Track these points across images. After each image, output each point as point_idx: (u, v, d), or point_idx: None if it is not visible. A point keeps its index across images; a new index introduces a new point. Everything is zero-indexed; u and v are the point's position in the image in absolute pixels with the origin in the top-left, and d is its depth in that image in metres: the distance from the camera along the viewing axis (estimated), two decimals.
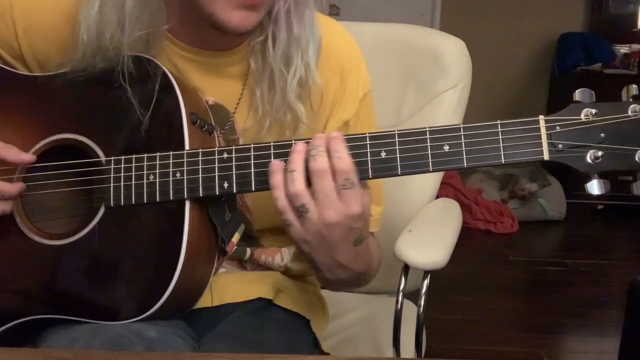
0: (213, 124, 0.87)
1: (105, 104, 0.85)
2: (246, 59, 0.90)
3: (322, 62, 0.90)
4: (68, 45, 0.87)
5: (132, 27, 0.82)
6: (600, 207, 3.88)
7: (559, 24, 4.21)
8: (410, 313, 1.15)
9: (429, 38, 1.36)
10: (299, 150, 0.74)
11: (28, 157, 0.85)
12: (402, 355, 1.13)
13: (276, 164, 0.75)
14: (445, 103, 1.30)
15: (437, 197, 1.35)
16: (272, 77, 0.87)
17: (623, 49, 4.05)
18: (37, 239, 0.85)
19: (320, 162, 0.72)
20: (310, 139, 0.77)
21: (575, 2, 4.30)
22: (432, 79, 1.31)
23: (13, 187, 0.84)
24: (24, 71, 0.93)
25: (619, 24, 4.25)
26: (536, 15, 4.25)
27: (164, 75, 0.83)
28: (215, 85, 0.90)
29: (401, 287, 1.13)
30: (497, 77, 4.20)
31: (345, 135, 0.76)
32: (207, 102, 0.90)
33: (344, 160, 0.73)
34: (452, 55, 1.31)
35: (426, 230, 1.18)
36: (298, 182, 0.73)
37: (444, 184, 3.47)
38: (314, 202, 0.73)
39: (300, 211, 0.74)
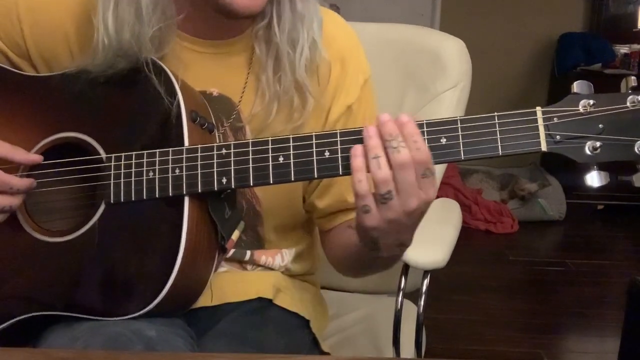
0: (213, 122, 0.87)
1: (106, 102, 0.85)
2: (250, 46, 0.90)
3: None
4: (76, 43, 0.88)
5: (150, 20, 0.82)
6: (600, 207, 3.88)
7: (559, 24, 4.20)
8: (410, 313, 1.15)
9: (429, 38, 1.36)
10: (375, 135, 0.72)
11: (36, 157, 0.86)
12: (402, 355, 1.13)
13: (358, 148, 0.73)
14: (445, 103, 1.30)
15: (437, 197, 1.35)
16: (279, 59, 0.87)
17: (623, 49, 4.04)
18: (38, 236, 0.85)
19: (404, 155, 0.71)
20: (307, 134, 0.77)
21: (575, 2, 4.29)
22: (432, 79, 1.31)
23: (22, 182, 0.84)
24: (29, 70, 0.94)
25: (619, 24, 4.24)
26: (536, 15, 4.25)
27: (164, 72, 0.83)
28: (219, 76, 0.91)
29: (401, 287, 1.13)
30: (497, 77, 4.20)
31: (342, 130, 0.76)
32: (211, 94, 0.90)
33: (422, 151, 0.71)
34: (452, 55, 1.31)
35: (426, 230, 1.18)
36: (385, 168, 0.71)
37: (444, 184, 3.48)
38: (396, 191, 0.72)
39: (385, 198, 0.71)
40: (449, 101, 1.30)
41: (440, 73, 1.31)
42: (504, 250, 3.30)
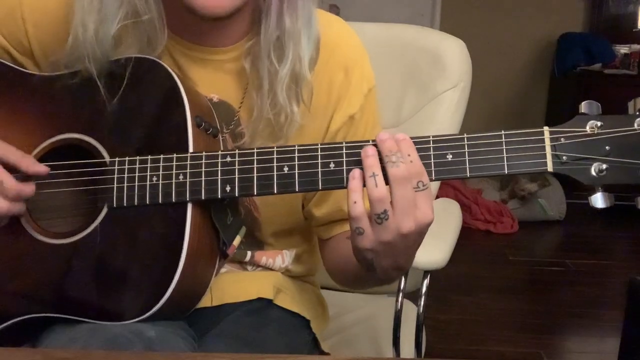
0: (218, 126, 0.87)
1: (112, 104, 0.84)
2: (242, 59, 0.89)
3: (325, 58, 0.90)
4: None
5: (113, 18, 0.82)
6: None
7: (559, 24, 4.21)
8: (410, 313, 1.16)
9: (429, 38, 1.36)
10: (373, 155, 0.72)
11: (42, 168, 0.84)
12: (402, 355, 1.13)
13: (357, 171, 0.73)
14: (445, 103, 1.30)
15: (437, 197, 1.36)
16: (265, 76, 0.86)
17: (623, 49, 4.05)
18: (40, 237, 0.85)
19: (403, 169, 0.71)
20: (313, 145, 0.76)
21: (575, 2, 4.30)
22: (432, 79, 1.31)
23: (30, 188, 0.83)
24: (32, 68, 0.93)
25: (619, 24, 4.25)
26: (536, 15, 4.25)
27: (169, 76, 0.83)
28: (216, 82, 0.90)
29: (401, 287, 1.13)
30: (497, 77, 4.20)
31: (347, 143, 0.76)
32: (212, 100, 0.90)
33: (415, 163, 0.71)
34: (452, 55, 1.31)
35: None
36: (382, 187, 0.71)
37: (444, 184, 3.47)
38: (393, 210, 0.71)
39: (380, 218, 0.71)
40: (449, 101, 1.30)
41: (440, 73, 1.31)
42: (503, 250, 3.30)
